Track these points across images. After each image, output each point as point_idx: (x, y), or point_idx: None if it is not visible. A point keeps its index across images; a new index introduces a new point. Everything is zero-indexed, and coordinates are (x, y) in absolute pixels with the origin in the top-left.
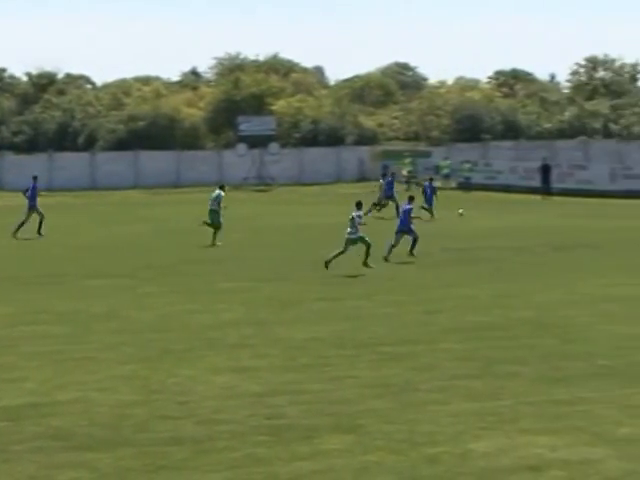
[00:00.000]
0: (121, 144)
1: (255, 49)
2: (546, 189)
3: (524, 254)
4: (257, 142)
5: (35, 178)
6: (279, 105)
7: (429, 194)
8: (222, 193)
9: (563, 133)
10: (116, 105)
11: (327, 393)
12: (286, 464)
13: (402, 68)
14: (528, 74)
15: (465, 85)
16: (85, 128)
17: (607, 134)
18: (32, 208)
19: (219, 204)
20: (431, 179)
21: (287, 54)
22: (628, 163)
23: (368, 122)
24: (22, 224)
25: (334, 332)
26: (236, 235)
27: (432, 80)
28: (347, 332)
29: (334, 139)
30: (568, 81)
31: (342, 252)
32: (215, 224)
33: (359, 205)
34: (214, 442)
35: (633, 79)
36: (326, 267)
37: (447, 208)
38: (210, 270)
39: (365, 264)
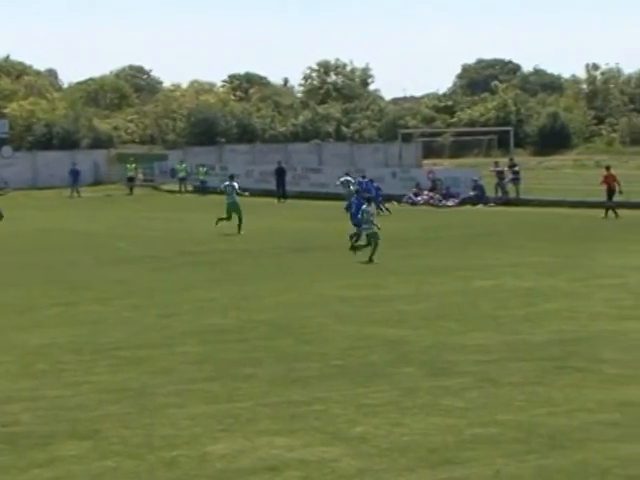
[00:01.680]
0: None
1: None
2: (281, 192)
3: (260, 256)
4: None
5: None
6: (11, 108)
7: (373, 193)
8: (235, 184)
9: (297, 136)
10: None
11: (64, 399)
12: (22, 472)
13: (136, 71)
14: (262, 78)
15: (200, 88)
16: None
17: (340, 137)
18: None
19: (237, 194)
20: (371, 180)
21: (19, 56)
22: (360, 165)
23: (103, 125)
24: None
25: (71, 337)
26: None
27: (167, 83)
28: (84, 337)
29: (69, 142)
30: (301, 85)
31: (372, 247)
32: (239, 214)
33: (369, 200)
34: None
35: (364, 83)
36: (371, 261)
37: (191, 211)
38: None
39: (370, 259)
